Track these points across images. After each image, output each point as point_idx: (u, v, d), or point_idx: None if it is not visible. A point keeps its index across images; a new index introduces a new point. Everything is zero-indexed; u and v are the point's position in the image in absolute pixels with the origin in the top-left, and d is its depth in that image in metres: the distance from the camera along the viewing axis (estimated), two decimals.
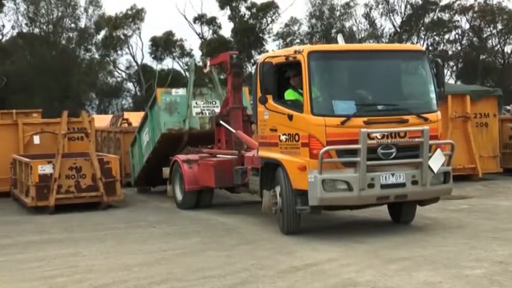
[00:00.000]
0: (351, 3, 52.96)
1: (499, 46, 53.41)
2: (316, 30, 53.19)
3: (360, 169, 8.80)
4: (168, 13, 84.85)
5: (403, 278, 6.90)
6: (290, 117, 9.30)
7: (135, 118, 25.56)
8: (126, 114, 26.18)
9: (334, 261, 7.80)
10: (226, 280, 7.04)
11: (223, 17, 56.55)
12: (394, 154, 9.00)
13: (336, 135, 8.90)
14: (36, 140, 15.44)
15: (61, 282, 7.22)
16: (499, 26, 52.26)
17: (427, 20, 53.12)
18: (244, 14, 53.36)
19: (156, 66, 56.08)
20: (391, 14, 53.48)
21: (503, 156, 16.65)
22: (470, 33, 53.09)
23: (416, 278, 6.86)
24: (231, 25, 53.20)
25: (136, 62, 56.06)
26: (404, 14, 53.38)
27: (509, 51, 53.20)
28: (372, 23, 53.97)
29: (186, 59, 56.19)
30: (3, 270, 7.95)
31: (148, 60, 56.56)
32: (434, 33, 53.37)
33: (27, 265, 8.17)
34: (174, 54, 55.86)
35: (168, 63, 58.70)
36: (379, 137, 8.93)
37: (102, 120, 25.01)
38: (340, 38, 10.75)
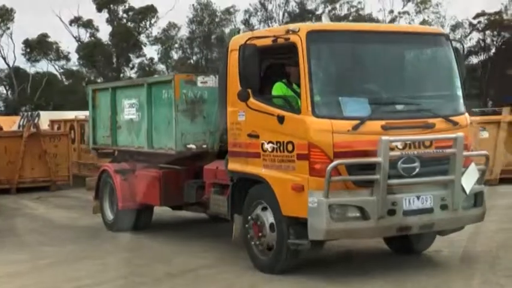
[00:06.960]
0: (231, 10, 53.80)
1: None
2: (197, 35, 53.42)
3: (380, 190, 6.49)
4: (43, 15, 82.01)
5: None
6: (281, 119, 6.89)
7: (6, 123, 24.46)
8: None
9: None
10: None
11: (100, 19, 55.40)
12: (417, 170, 6.71)
13: (346, 144, 6.59)
14: None
15: None
16: None
17: None
18: (122, 17, 52.66)
19: (29, 69, 53.96)
20: (269, 21, 54.76)
21: None
22: None
23: None
24: (109, 28, 52.35)
25: (8, 64, 53.65)
26: (282, 21, 54.80)
27: None
28: (251, 29, 54.93)
29: (62, 62, 54.61)
30: None
31: (22, 63, 54.31)
32: None
33: None
34: (50, 57, 54.03)
35: (43, 66, 56.62)
36: (400, 147, 6.67)
37: None
38: (325, 18, 8.38)
